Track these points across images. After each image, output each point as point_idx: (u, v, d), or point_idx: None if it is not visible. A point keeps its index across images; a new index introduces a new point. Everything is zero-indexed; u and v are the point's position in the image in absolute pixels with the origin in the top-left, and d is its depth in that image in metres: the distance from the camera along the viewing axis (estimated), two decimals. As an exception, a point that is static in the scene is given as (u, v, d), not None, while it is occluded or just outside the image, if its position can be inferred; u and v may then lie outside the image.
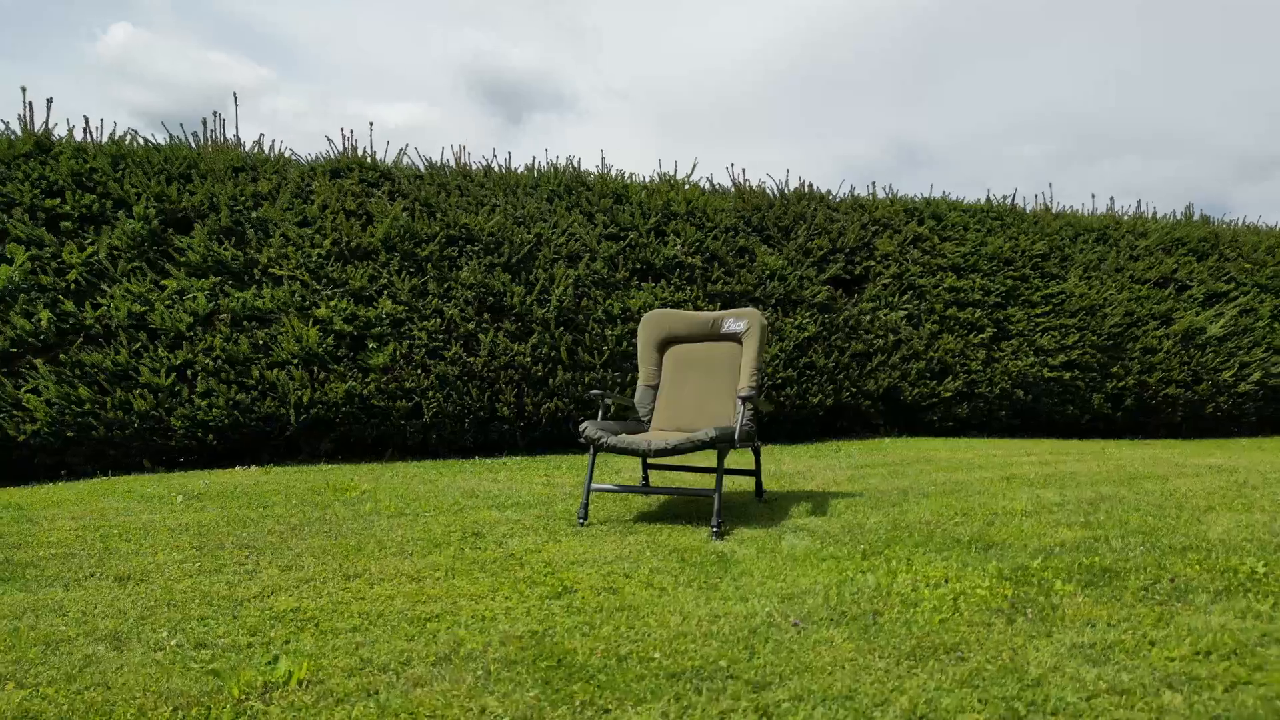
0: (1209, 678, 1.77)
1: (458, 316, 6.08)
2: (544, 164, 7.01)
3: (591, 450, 3.64)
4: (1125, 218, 8.61)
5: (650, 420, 4.14)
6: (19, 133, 5.56)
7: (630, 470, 5.08)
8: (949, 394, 7.47)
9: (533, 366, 6.23)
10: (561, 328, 6.39)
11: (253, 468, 5.37)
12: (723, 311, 4.30)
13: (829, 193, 7.85)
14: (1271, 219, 10.65)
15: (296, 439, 5.80)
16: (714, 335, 4.18)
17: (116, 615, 2.31)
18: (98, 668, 1.93)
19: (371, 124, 8.19)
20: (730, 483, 4.60)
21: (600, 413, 4.05)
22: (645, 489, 3.84)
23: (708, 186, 7.51)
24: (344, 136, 6.43)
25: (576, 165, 7.04)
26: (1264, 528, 3.17)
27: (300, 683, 1.84)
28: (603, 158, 8.88)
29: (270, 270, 5.78)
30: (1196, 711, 1.63)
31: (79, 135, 5.72)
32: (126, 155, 5.73)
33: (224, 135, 6.23)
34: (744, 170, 7.81)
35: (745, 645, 2.04)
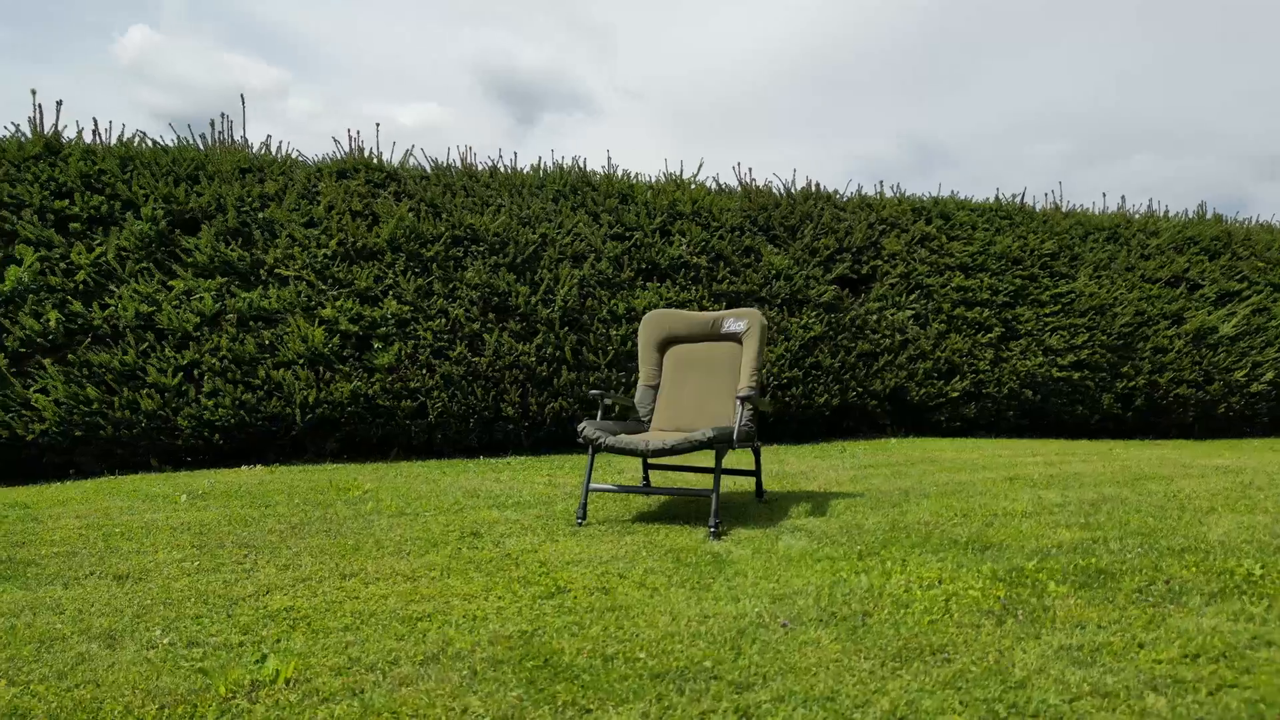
0: (1195, 680, 1.76)
1: (463, 317, 6.10)
2: (550, 164, 7.04)
3: (590, 450, 3.65)
4: (1136, 216, 8.52)
5: (650, 420, 4.15)
6: (29, 135, 5.63)
7: (633, 470, 5.09)
8: (956, 394, 7.43)
9: (537, 366, 6.25)
10: (566, 328, 6.41)
11: (258, 467, 5.42)
12: (723, 311, 4.30)
13: (836, 192, 7.82)
14: (1287, 217, 10.51)
15: (302, 439, 5.84)
16: (714, 335, 4.18)
17: (112, 613, 2.33)
18: (89, 665, 1.95)
19: (378, 125, 8.23)
20: (732, 483, 4.59)
21: (600, 412, 4.06)
22: (645, 489, 3.84)
23: (714, 186, 7.50)
24: (350, 137, 6.47)
25: (582, 165, 7.06)
26: (1265, 529, 3.13)
27: (287, 681, 1.85)
28: (609, 158, 8.89)
29: (276, 271, 5.82)
30: (1179, 714, 1.62)
31: (88, 137, 5.79)
32: (135, 157, 5.80)
33: (232, 137, 6.29)
34: (750, 170, 7.82)
35: (732, 646, 2.04)
